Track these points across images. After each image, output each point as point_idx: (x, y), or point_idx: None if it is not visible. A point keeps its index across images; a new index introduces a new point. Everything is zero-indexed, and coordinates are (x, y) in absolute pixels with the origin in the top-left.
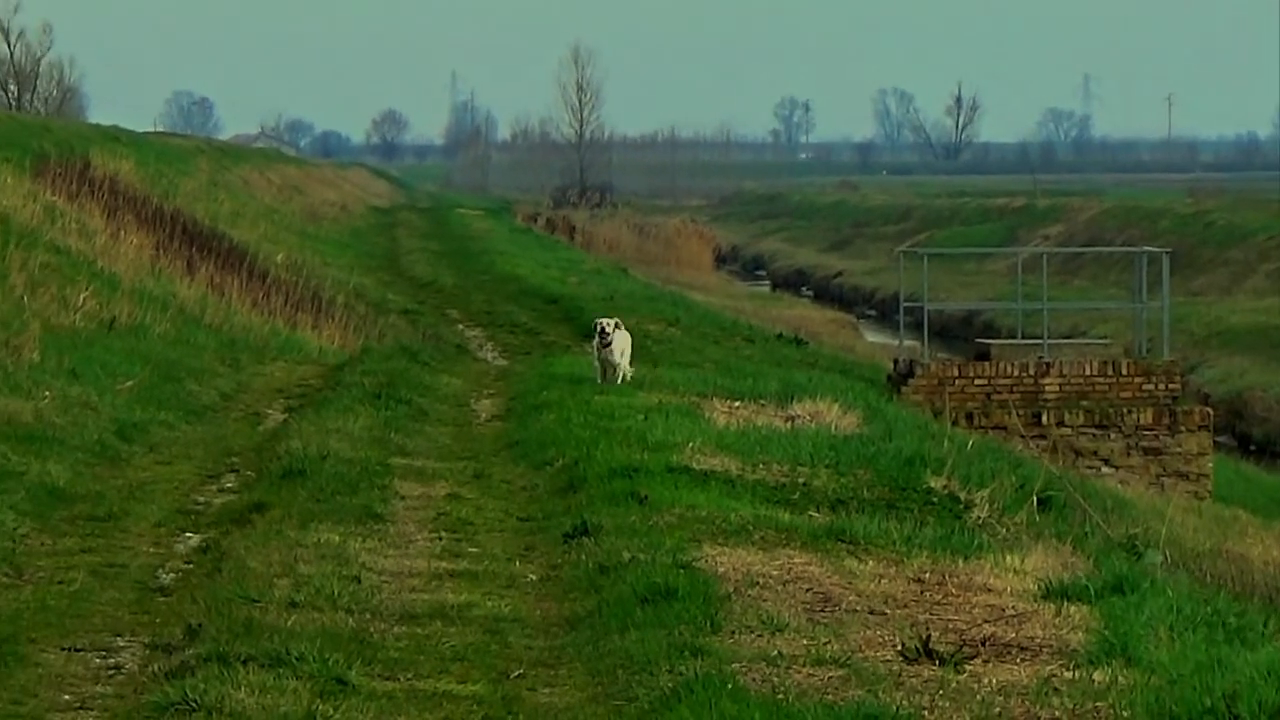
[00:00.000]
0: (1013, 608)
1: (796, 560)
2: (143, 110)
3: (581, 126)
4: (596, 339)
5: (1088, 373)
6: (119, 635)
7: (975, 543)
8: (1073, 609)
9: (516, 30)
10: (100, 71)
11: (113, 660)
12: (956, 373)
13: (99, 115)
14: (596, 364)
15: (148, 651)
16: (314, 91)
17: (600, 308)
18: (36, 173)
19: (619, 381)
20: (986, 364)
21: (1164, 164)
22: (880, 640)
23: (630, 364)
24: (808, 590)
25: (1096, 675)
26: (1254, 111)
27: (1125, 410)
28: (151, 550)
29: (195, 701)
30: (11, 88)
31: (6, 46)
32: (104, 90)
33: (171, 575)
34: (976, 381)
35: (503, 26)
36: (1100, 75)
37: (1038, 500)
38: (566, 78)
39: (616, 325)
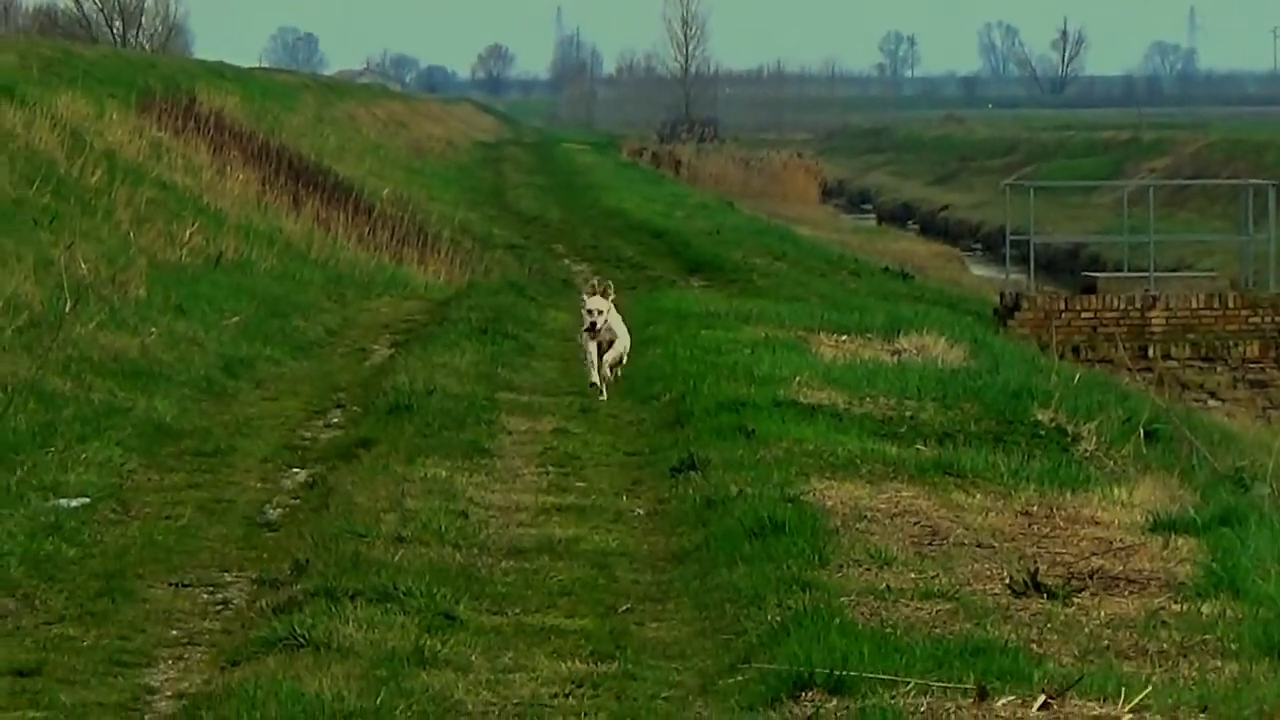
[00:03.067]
0: (1120, 540)
1: (904, 494)
2: (247, 46)
3: (687, 61)
4: (586, 324)
5: (1194, 306)
6: (226, 571)
7: (1082, 475)
8: (1180, 541)
9: None
10: (205, 7)
11: (220, 596)
12: (1063, 306)
13: (204, 51)
14: (588, 354)
15: (255, 587)
16: (419, 27)
17: (706, 242)
18: (142, 109)
19: (616, 371)
20: (1093, 297)
21: (1270, 97)
22: (988, 574)
23: (628, 351)
24: (915, 524)
25: (1204, 608)
26: None
27: (1231, 343)
28: (258, 486)
29: (303, 637)
30: (117, 24)
31: None
32: (209, 26)
33: (278, 511)
34: (1083, 315)
35: None
36: (1205, 8)
37: (1144, 433)
38: (672, 12)
39: (607, 293)
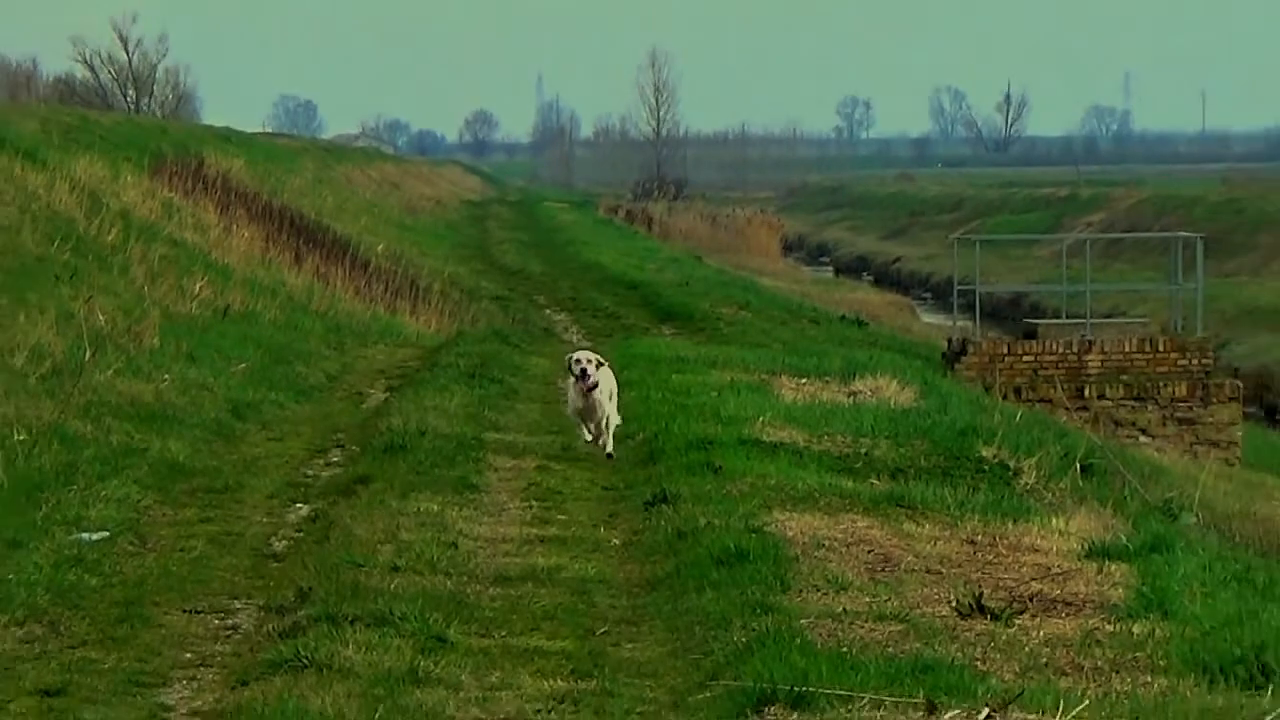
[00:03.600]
0: (1058, 566)
1: (859, 524)
2: (252, 113)
3: (658, 125)
4: (574, 379)
5: (1127, 349)
6: (236, 598)
7: (1023, 507)
8: (1113, 567)
9: (597, 34)
10: (212, 76)
11: (230, 621)
12: (1006, 350)
13: (211, 117)
14: (575, 413)
15: (262, 613)
16: (410, 93)
17: (677, 293)
18: (155, 171)
19: (607, 433)
20: (1034, 342)
21: (1199, 155)
22: (936, 597)
23: (618, 410)
24: (869, 551)
25: (1135, 628)
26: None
27: (1161, 384)
28: (265, 520)
29: (307, 658)
30: (130, 93)
31: (125, 54)
32: (216, 94)
33: (283, 542)
34: (1024, 358)
35: (585, 30)
36: (1140, 73)
37: (1081, 467)
38: (644, 79)
39: (600, 363)
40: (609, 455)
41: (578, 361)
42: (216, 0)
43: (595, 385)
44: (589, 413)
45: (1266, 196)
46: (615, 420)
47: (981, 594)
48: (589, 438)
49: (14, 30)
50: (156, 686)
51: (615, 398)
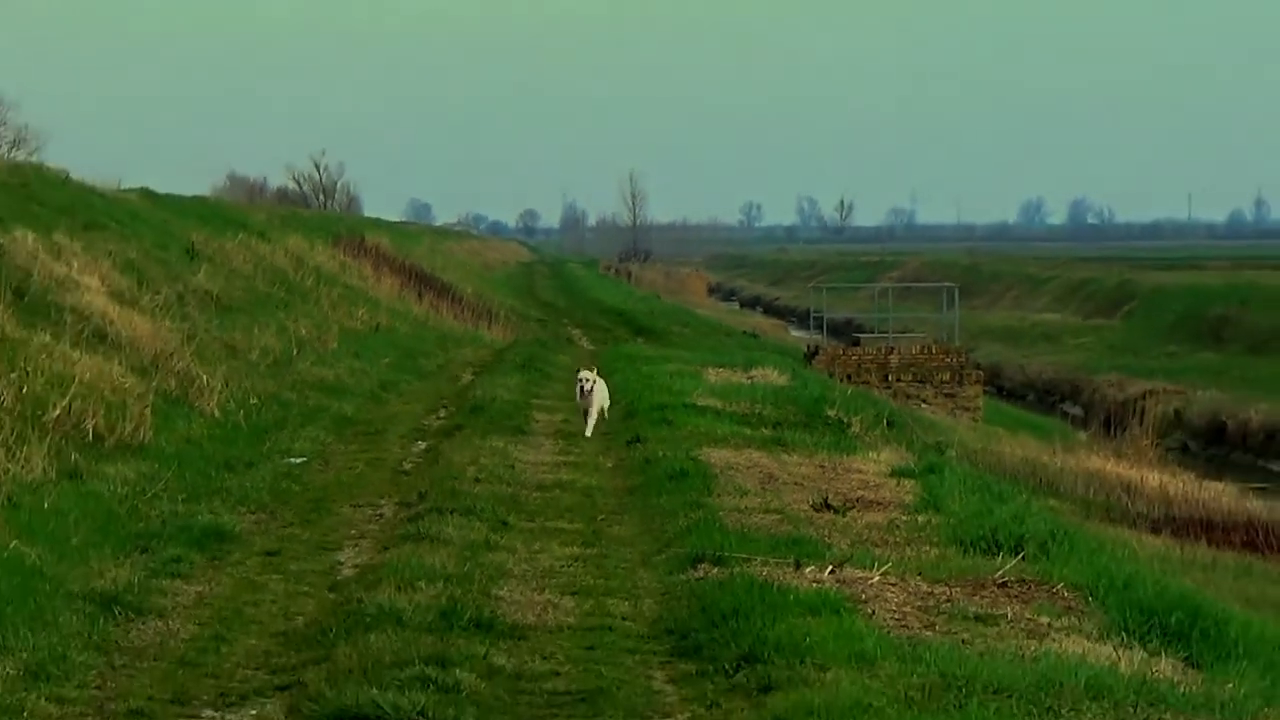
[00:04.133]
0: (873, 481)
1: (754, 455)
2: (393, 208)
3: (634, 218)
4: (578, 389)
5: (914, 352)
6: (382, 498)
7: (852, 445)
8: (906, 482)
9: (599, 161)
10: (370, 185)
11: (378, 511)
12: (841, 353)
13: (369, 211)
14: (582, 412)
15: (397, 506)
16: (486, 198)
17: (645, 317)
18: (335, 243)
19: (589, 422)
20: (858, 348)
21: (955, 236)
22: (801, 499)
23: (607, 408)
24: (760, 472)
25: (920, 518)
26: (1006, 204)
27: (934, 372)
28: (399, 450)
29: (424, 534)
30: (321, 197)
31: (318, 174)
32: (372, 197)
33: (410, 464)
34: (852, 357)
35: (591, 158)
36: (921, 186)
37: (886, 422)
38: (625, 190)
39: (594, 382)
40: (585, 435)
41: (580, 380)
42: (374, 142)
43: (591, 391)
44: (588, 411)
45: (995, 264)
46: (604, 411)
47: (827, 497)
48: (589, 433)
49: (252, 159)
50: (334, 550)
51: (606, 400)
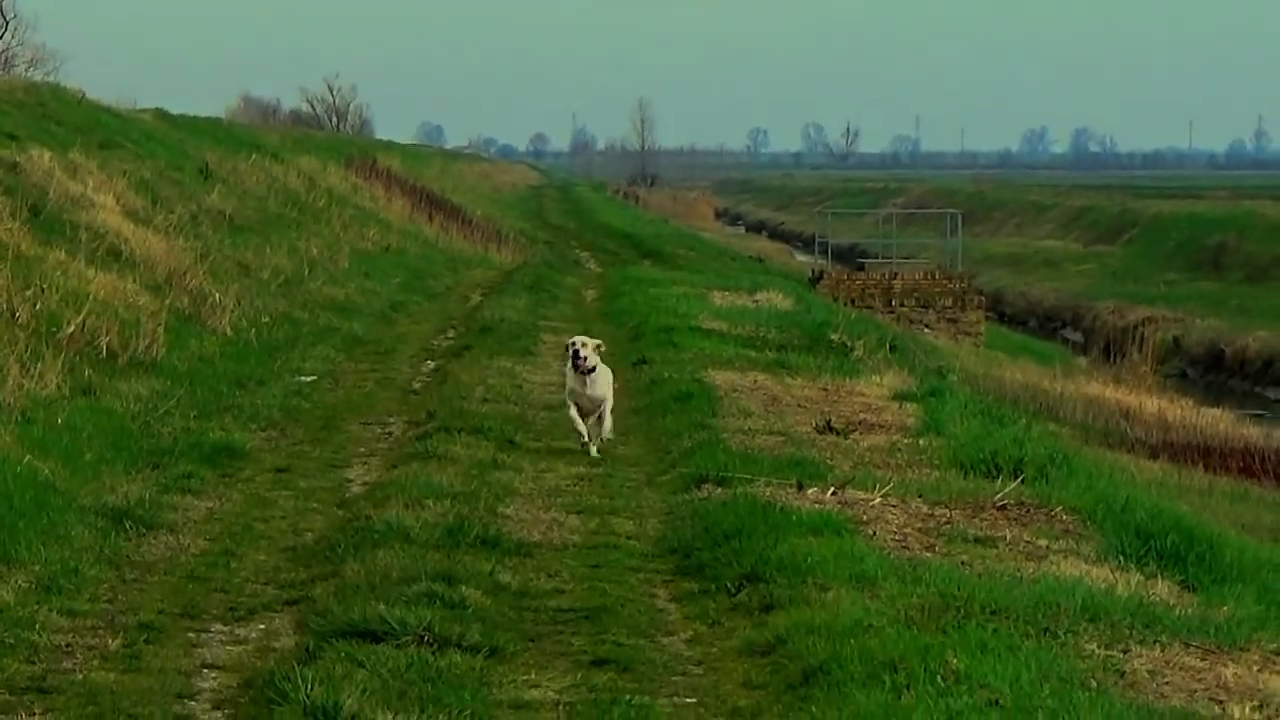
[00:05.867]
0: (876, 404)
1: (758, 378)
2: (405, 130)
3: (642, 143)
4: (569, 363)
5: (918, 278)
6: (390, 416)
7: (855, 369)
8: (908, 405)
9: (609, 84)
10: (382, 108)
11: (387, 430)
12: (846, 278)
13: (381, 133)
14: (571, 402)
15: (406, 425)
16: (498, 121)
17: (653, 240)
18: (347, 165)
19: (601, 439)
20: (862, 273)
21: (958, 164)
22: (804, 422)
23: (611, 407)
24: (764, 394)
25: (921, 441)
26: (1009, 133)
27: (938, 297)
28: (408, 370)
29: (432, 452)
30: (334, 119)
31: (331, 97)
32: (384, 119)
33: (419, 383)
34: (857, 282)
35: (602, 82)
36: (926, 114)
37: (889, 346)
38: (634, 116)
39: (598, 347)
40: (591, 452)
41: (574, 348)
42: (387, 64)
43: (592, 372)
44: (584, 402)
45: (999, 191)
46: (609, 424)
47: (830, 420)
48: (594, 449)
49: (267, 82)
50: (344, 467)
51: (612, 393)
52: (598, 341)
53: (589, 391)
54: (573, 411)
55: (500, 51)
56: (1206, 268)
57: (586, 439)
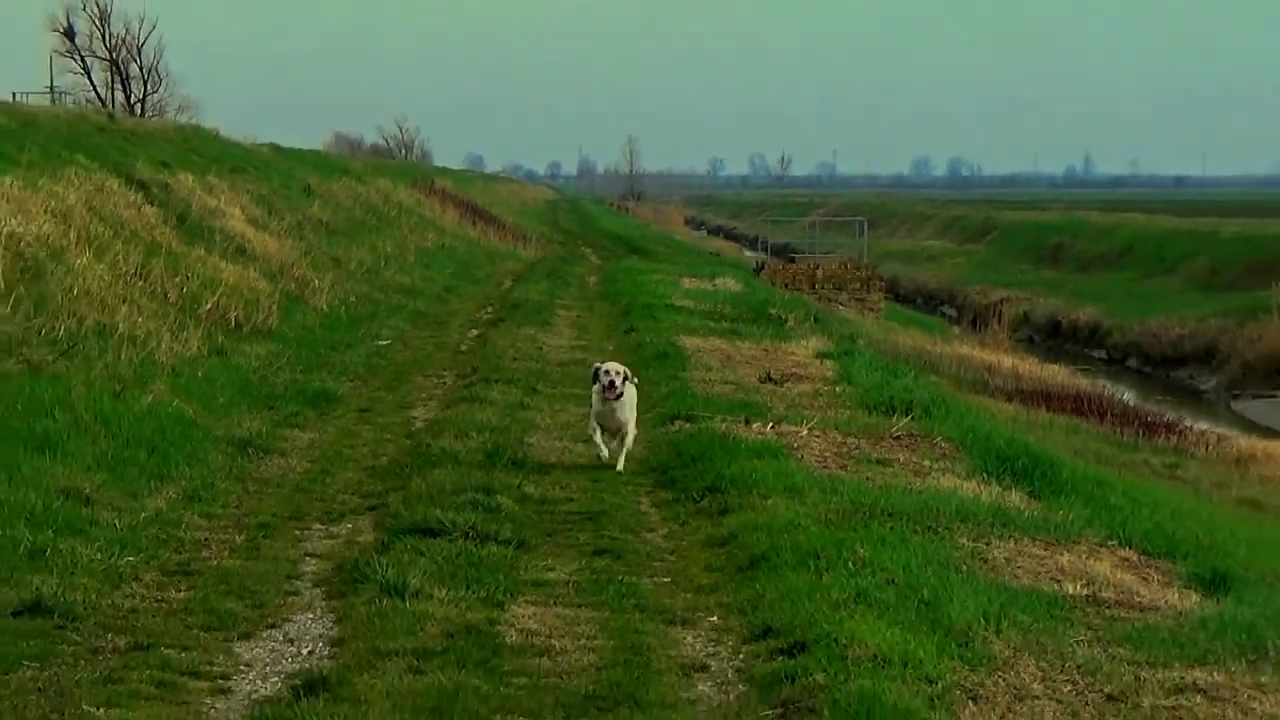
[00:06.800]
0: (804, 361)
1: (718, 343)
2: (454, 158)
3: (631, 169)
4: (598, 389)
5: (834, 268)
6: (444, 371)
7: (788, 335)
8: (828, 362)
9: (605, 124)
10: (440, 142)
11: (442, 380)
12: (781, 268)
13: (437, 160)
14: (595, 423)
15: (455, 377)
16: (526, 151)
17: (639, 240)
18: (412, 185)
19: (623, 452)
20: (793, 264)
21: (865, 184)
22: (750, 374)
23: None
24: (720, 354)
25: (837, 388)
26: (902, 160)
27: (849, 282)
28: (457, 336)
29: (475, 396)
30: (403, 151)
31: (400, 134)
32: (439, 150)
33: (466, 346)
34: (789, 271)
35: (601, 124)
36: (840, 146)
37: (814, 318)
38: (625, 148)
39: (627, 377)
40: (616, 469)
41: (607, 374)
42: (443, 108)
43: (620, 397)
44: (609, 424)
45: (894, 204)
46: (630, 435)
47: (769, 372)
48: (601, 446)
49: (353, 122)
50: (410, 408)
51: (633, 415)
52: (625, 369)
53: (616, 415)
54: (598, 436)
55: (527, 98)
56: (1048, 261)
57: (607, 456)
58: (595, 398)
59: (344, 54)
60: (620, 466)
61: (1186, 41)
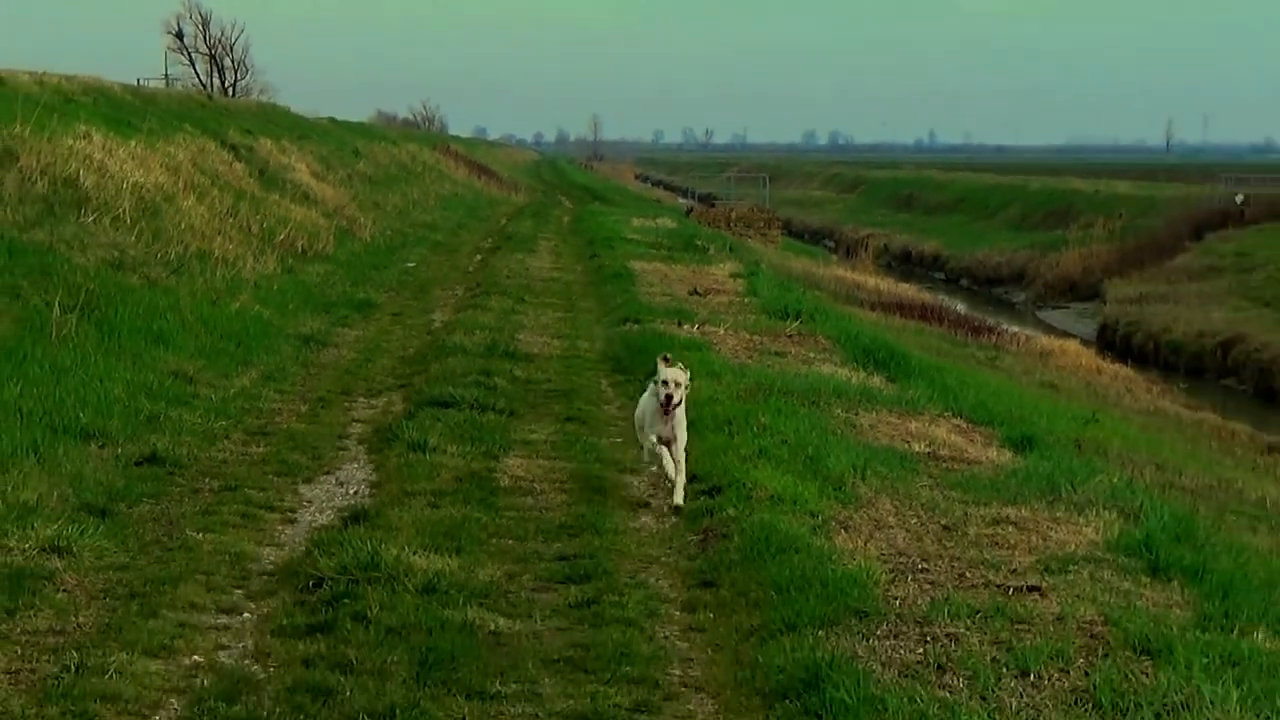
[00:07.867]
0: (722, 280)
1: (658, 265)
2: (464, 128)
3: (595, 136)
4: (660, 393)
5: (745, 211)
6: (456, 285)
7: (710, 260)
8: (739, 280)
9: (575, 103)
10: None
11: (455, 293)
12: (705, 211)
13: (452, 130)
14: (652, 437)
15: (464, 291)
16: (518, 123)
17: (601, 190)
18: (433, 148)
19: (681, 478)
20: (714, 207)
21: (768, 150)
22: (682, 290)
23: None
24: (659, 274)
25: (746, 300)
26: (795, 131)
27: (755, 222)
28: (465, 260)
29: (479, 305)
30: (426, 123)
31: (425, 110)
32: (453, 121)
33: (472, 267)
34: (711, 214)
35: (570, 104)
36: (750, 121)
37: (729, 249)
38: (590, 122)
39: (684, 391)
40: (676, 503)
41: (668, 379)
42: (456, 89)
43: (676, 410)
44: (664, 437)
45: (790, 164)
46: (682, 456)
47: (696, 287)
48: (679, 499)
49: (390, 100)
50: (430, 313)
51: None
52: (685, 378)
53: (670, 426)
54: (661, 449)
55: (518, 84)
56: (902, 207)
57: (672, 472)
58: (647, 405)
59: (386, 47)
60: (680, 499)
61: (1004, 42)
